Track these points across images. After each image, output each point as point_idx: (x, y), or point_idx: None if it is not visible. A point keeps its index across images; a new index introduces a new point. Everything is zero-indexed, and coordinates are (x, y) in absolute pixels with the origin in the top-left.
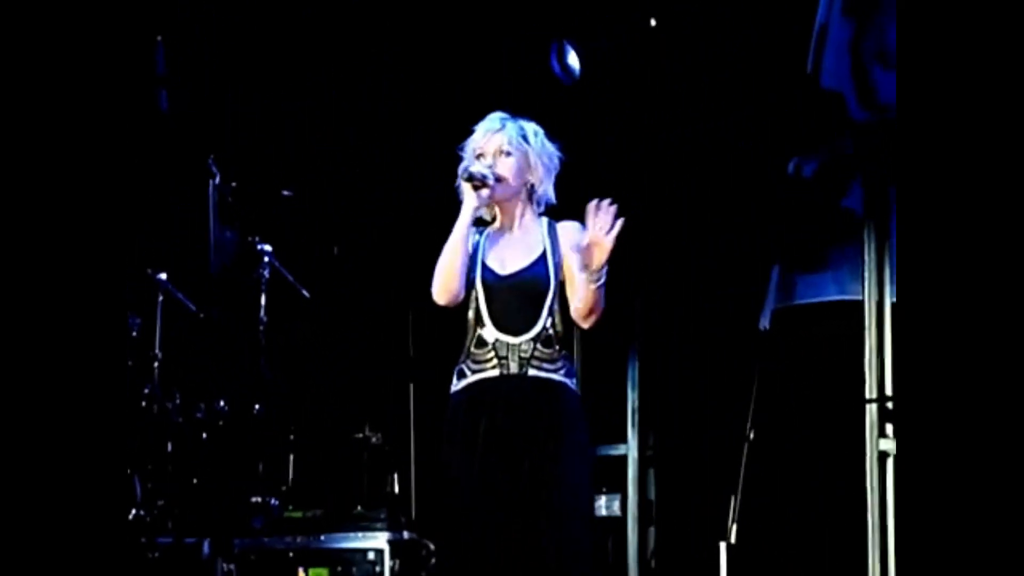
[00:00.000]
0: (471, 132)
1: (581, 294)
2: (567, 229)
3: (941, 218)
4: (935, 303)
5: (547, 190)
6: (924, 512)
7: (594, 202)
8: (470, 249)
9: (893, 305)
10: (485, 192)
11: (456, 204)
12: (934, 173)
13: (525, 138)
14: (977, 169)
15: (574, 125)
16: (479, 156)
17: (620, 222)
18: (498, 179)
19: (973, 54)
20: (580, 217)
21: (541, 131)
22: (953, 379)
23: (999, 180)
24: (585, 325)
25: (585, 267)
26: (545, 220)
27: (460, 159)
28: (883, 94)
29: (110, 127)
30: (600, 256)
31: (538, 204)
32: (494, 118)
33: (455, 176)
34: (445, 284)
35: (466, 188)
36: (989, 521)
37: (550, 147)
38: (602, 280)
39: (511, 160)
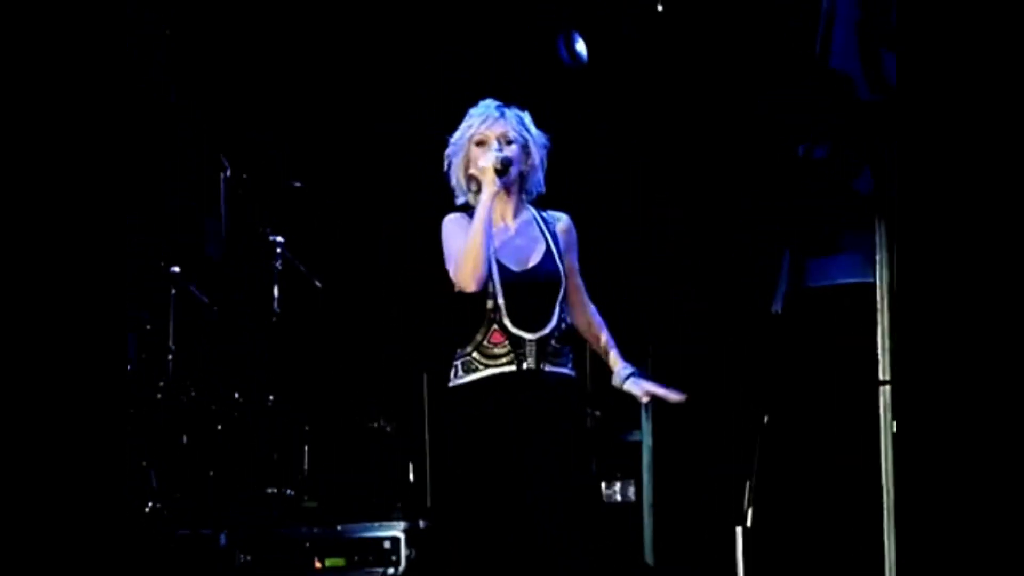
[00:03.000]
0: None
1: (596, 323)
2: (562, 224)
3: (941, 204)
4: (935, 289)
5: (539, 179)
6: (924, 494)
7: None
8: (490, 219)
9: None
10: (505, 177)
11: (447, 192)
12: (935, 159)
13: (524, 126)
14: (977, 156)
15: (581, 111)
16: (480, 143)
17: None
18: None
19: (972, 42)
20: (566, 205)
21: (532, 121)
22: (952, 363)
23: (999, 167)
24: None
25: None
26: (533, 210)
27: (451, 145)
28: (892, 75)
29: (112, 122)
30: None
31: (528, 193)
32: (490, 105)
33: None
34: (474, 270)
35: (488, 175)
36: (988, 503)
37: (543, 137)
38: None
39: (513, 148)
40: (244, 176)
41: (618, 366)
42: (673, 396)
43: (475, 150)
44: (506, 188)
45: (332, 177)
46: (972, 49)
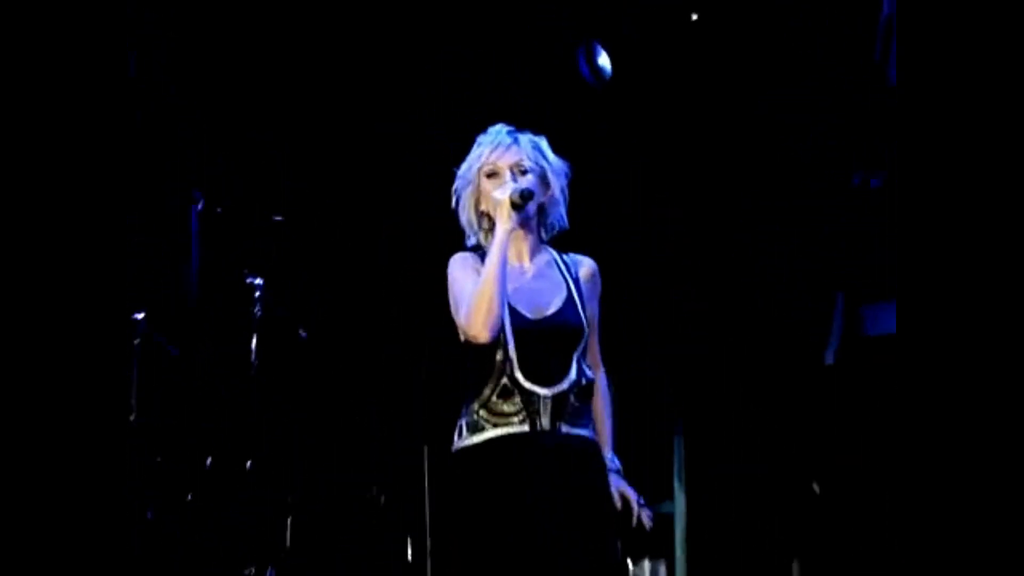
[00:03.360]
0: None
1: (600, 394)
2: (586, 270)
3: (943, 204)
4: (938, 305)
5: (561, 213)
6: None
7: (635, 508)
8: (505, 259)
9: None
10: (523, 211)
11: (456, 228)
12: (936, 160)
13: (541, 153)
14: (979, 156)
15: (603, 134)
16: (491, 175)
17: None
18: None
19: (973, 40)
20: (591, 246)
21: (549, 147)
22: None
23: (1001, 167)
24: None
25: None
26: (553, 251)
27: (459, 179)
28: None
29: (112, 122)
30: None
31: (548, 229)
32: (501, 131)
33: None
34: (488, 317)
35: (503, 209)
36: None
37: (562, 164)
38: None
39: (530, 179)
40: (218, 209)
41: (606, 454)
42: (643, 516)
43: (486, 183)
44: (523, 224)
45: (320, 211)
46: (973, 48)
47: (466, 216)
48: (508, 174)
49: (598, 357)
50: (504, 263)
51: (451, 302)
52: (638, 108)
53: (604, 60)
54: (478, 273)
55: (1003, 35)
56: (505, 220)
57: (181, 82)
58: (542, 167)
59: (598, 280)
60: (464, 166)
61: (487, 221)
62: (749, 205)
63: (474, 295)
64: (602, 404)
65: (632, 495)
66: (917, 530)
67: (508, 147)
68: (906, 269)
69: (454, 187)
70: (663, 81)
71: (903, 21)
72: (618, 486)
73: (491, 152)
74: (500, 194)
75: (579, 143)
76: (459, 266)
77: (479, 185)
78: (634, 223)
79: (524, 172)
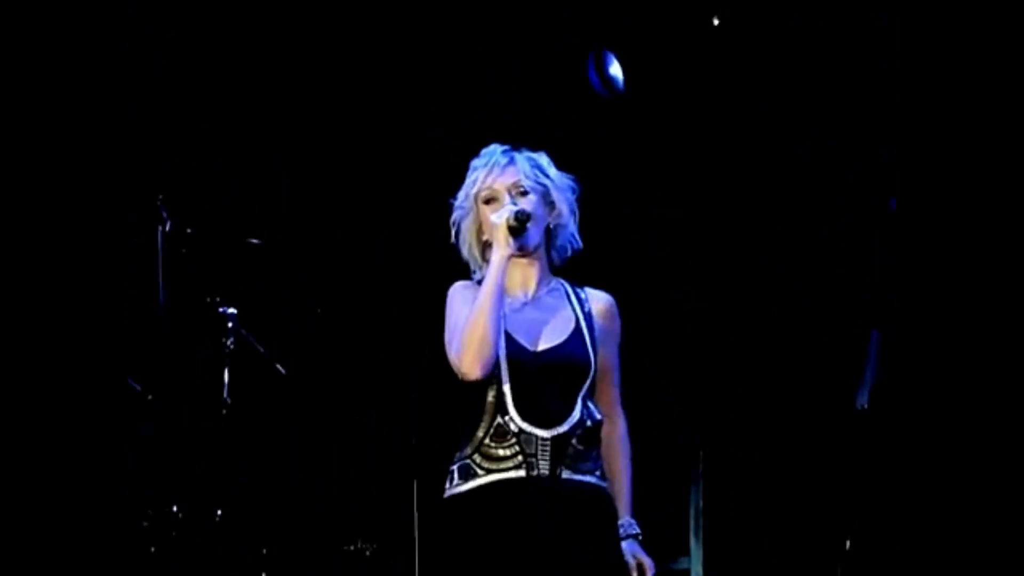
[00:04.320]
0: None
1: (618, 447)
2: (601, 305)
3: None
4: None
5: (572, 234)
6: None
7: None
8: (501, 289)
9: None
10: (522, 236)
11: (455, 258)
12: (937, 161)
13: (542, 171)
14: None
15: (603, 134)
16: (488, 201)
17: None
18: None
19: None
20: (602, 279)
21: (551, 162)
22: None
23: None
24: None
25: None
26: (565, 284)
27: (456, 209)
28: None
29: (112, 122)
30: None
31: (559, 252)
32: (494, 151)
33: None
34: (480, 352)
35: (500, 234)
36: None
37: (567, 180)
38: None
39: (531, 199)
40: (188, 231)
41: (623, 519)
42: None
43: (485, 210)
44: (525, 250)
45: (300, 233)
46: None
47: (467, 249)
48: (507, 197)
49: (616, 404)
50: (500, 292)
51: (446, 333)
52: (638, 108)
53: (616, 70)
54: (474, 302)
55: (1003, 37)
56: (502, 245)
57: (182, 82)
58: (544, 185)
59: (616, 319)
60: (460, 195)
61: (491, 251)
62: (749, 205)
63: (465, 328)
64: (620, 458)
65: (650, 567)
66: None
67: (504, 168)
68: (907, 276)
69: (452, 219)
70: (664, 81)
71: (905, 24)
72: (633, 552)
73: (487, 175)
74: (496, 218)
75: (579, 143)
76: (457, 296)
77: (478, 214)
78: (634, 223)
79: (524, 193)
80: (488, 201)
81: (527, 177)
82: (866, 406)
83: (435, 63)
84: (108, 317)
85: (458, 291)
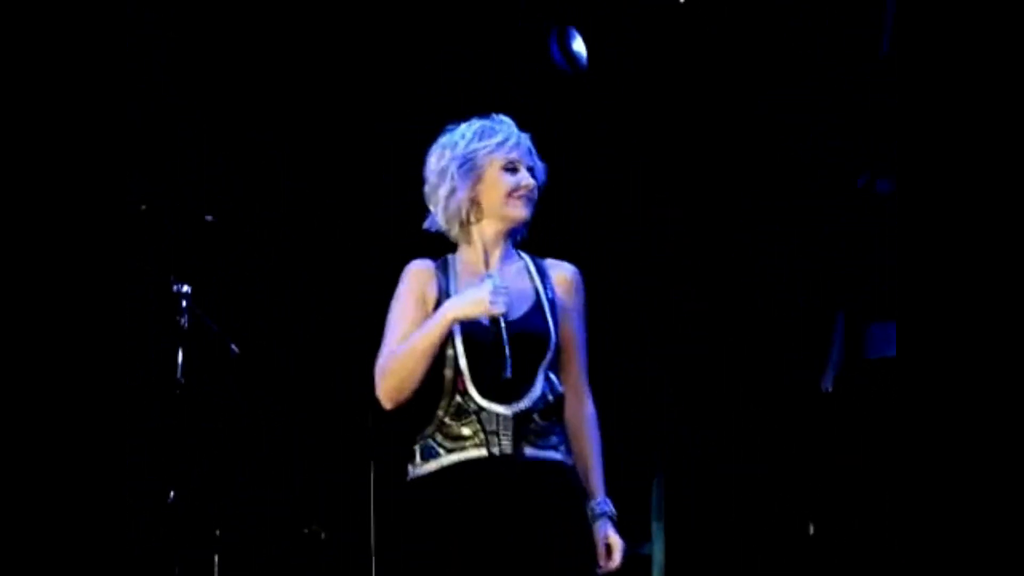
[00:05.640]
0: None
1: (586, 425)
2: (562, 276)
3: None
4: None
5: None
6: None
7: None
8: (435, 295)
9: None
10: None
11: (428, 237)
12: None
13: (535, 155)
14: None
15: (603, 134)
16: (511, 170)
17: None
18: (531, 200)
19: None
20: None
21: None
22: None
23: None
24: None
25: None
26: (526, 256)
27: (453, 160)
28: None
29: (112, 122)
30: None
31: (516, 230)
32: (512, 124)
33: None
34: (399, 387)
35: (478, 306)
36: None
37: (543, 165)
38: None
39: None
40: (142, 207)
41: (596, 498)
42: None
43: (501, 176)
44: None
45: (256, 209)
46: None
47: (453, 204)
48: (525, 174)
49: (582, 381)
50: (441, 341)
51: (385, 330)
52: (638, 108)
53: (579, 45)
54: (423, 307)
55: (1003, 35)
56: (471, 308)
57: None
58: (541, 166)
59: (580, 287)
60: (463, 145)
61: (477, 213)
62: (749, 205)
63: (391, 362)
64: (588, 437)
65: (620, 547)
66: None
67: (521, 143)
68: (907, 278)
69: (441, 166)
70: (664, 81)
71: (903, 20)
72: (606, 533)
73: (515, 144)
74: (494, 305)
75: (578, 143)
76: (407, 287)
77: (486, 173)
78: (634, 223)
79: (531, 170)
80: (510, 169)
81: (531, 153)
82: (830, 389)
83: (402, 42)
84: (107, 313)
85: (410, 278)
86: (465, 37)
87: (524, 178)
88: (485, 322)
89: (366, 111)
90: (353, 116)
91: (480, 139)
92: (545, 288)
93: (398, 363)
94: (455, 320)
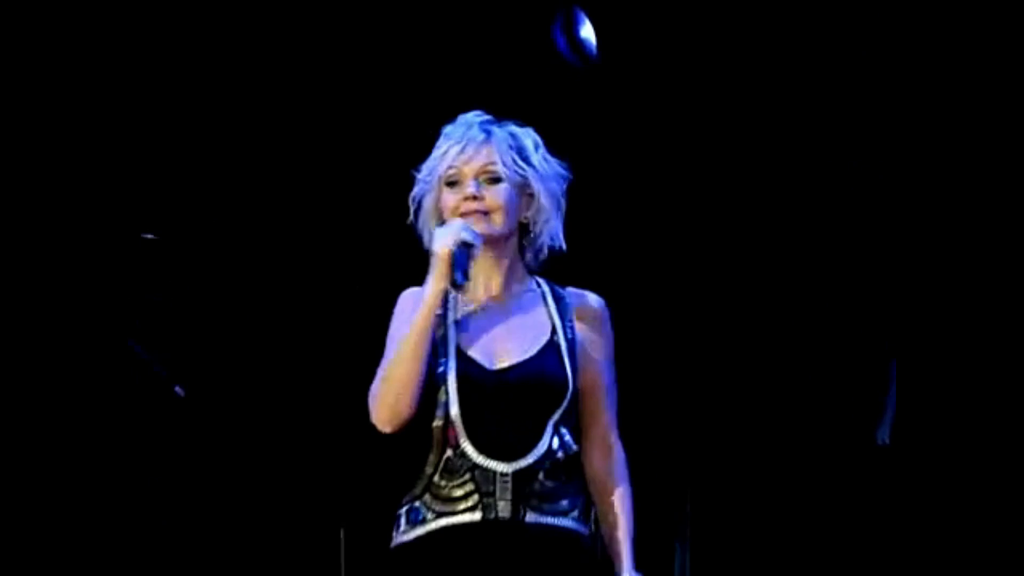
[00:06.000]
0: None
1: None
2: (586, 309)
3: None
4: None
5: (554, 231)
6: None
7: None
8: (430, 331)
9: None
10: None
11: (413, 247)
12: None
13: (523, 154)
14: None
15: (588, 125)
16: (453, 184)
17: None
18: (487, 214)
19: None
20: (587, 279)
21: (541, 142)
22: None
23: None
24: None
25: None
26: (544, 284)
27: (418, 183)
28: None
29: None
30: None
31: (536, 253)
32: (472, 122)
33: (407, 212)
34: (395, 403)
35: (441, 258)
36: None
37: (555, 166)
38: None
39: (502, 188)
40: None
41: (623, 572)
42: None
43: (447, 194)
44: (494, 243)
45: (207, 227)
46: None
47: (428, 232)
48: (470, 184)
49: (611, 431)
50: (429, 335)
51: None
52: (638, 108)
53: (588, 32)
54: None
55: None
56: (440, 277)
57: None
58: (522, 174)
59: (607, 322)
60: (424, 167)
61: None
62: (748, 205)
63: (382, 372)
64: (617, 496)
65: None
66: None
67: (478, 146)
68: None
69: (412, 194)
70: (664, 80)
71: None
72: None
73: (458, 152)
74: (438, 243)
75: (577, 143)
76: (400, 310)
77: (439, 194)
78: (634, 223)
79: (496, 180)
80: (452, 183)
81: (502, 162)
82: (887, 441)
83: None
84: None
85: (405, 303)
86: (456, 26)
87: (466, 191)
88: (486, 364)
89: (366, 111)
90: (353, 116)
91: (435, 151)
92: (564, 324)
93: (388, 373)
94: (437, 298)
